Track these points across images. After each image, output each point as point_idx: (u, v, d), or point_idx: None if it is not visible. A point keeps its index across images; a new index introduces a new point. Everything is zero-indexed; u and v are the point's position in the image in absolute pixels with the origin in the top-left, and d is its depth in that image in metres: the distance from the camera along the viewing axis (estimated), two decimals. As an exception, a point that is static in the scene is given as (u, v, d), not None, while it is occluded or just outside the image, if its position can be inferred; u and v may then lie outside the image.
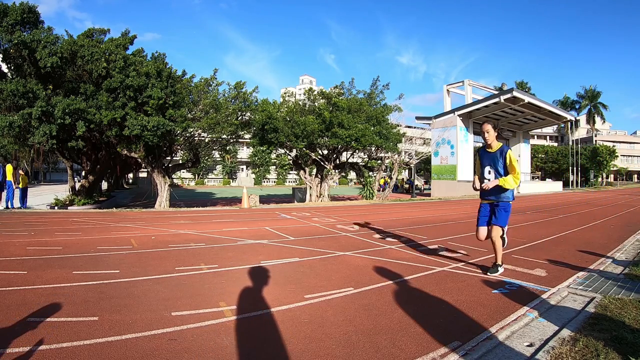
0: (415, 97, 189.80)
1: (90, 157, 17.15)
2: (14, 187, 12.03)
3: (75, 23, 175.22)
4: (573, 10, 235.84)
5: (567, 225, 8.85)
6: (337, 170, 18.84)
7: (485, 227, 4.24)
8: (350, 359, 2.31)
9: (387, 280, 4.01)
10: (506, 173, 4.01)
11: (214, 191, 40.68)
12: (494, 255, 4.33)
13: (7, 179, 11.77)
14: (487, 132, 4.09)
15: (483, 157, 4.22)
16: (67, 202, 14.58)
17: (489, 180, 4.08)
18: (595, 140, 56.81)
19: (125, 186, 38.79)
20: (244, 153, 59.52)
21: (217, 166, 59.39)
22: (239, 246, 5.85)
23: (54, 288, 3.53)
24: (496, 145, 4.15)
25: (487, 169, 4.15)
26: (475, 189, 4.23)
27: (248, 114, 16.27)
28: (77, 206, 14.42)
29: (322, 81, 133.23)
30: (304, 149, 17.38)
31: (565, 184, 38.61)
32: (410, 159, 23.78)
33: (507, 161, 3.98)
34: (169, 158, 16.21)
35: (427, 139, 30.69)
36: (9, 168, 11.95)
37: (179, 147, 16.91)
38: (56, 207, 13.54)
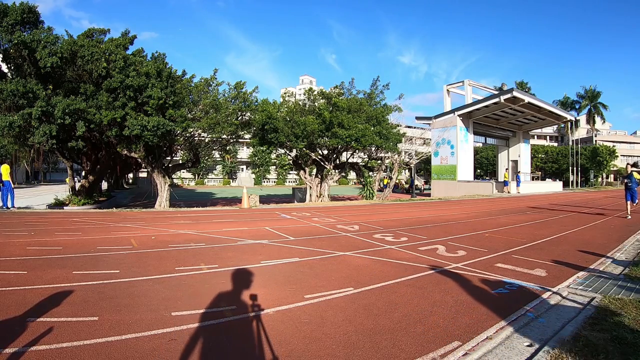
0: (416, 97, 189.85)
1: (90, 157, 17.15)
2: (13, 186, 12.03)
3: (71, 22, 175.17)
4: (573, 10, 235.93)
5: (567, 225, 8.85)
6: (337, 170, 18.84)
7: None
8: (350, 359, 2.32)
9: (387, 280, 4.01)
10: None
11: (214, 191, 40.67)
12: None
13: (5, 179, 11.75)
14: None
15: None
16: (67, 203, 14.59)
17: None
18: (595, 140, 56.79)
19: (125, 186, 38.80)
20: (244, 153, 59.52)
21: (217, 166, 59.38)
22: (239, 246, 5.85)
23: (54, 288, 3.53)
24: None
25: None
26: None
27: (248, 114, 16.26)
28: (77, 206, 14.42)
29: (322, 81, 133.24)
30: (304, 149, 17.38)
31: (565, 184, 38.61)
32: (410, 159, 23.78)
33: None
34: (169, 158, 16.20)
35: (427, 139, 30.68)
36: (5, 168, 11.93)
37: (179, 147, 16.91)
38: (56, 207, 13.53)
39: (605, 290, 3.70)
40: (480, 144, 39.08)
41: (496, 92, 27.13)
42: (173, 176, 20.02)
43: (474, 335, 2.63)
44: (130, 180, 46.18)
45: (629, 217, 10.60)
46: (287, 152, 19.14)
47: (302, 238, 6.70)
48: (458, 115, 25.54)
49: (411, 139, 39.58)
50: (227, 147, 18.90)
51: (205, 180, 58.68)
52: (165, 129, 12.39)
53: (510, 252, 5.57)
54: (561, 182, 35.90)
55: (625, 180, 10.99)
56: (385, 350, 2.42)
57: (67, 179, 18.20)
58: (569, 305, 3.30)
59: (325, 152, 18.71)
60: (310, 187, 18.37)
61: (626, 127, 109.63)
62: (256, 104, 16.19)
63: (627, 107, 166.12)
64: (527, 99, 23.93)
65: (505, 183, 25.42)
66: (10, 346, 2.33)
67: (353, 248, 5.77)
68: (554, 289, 3.74)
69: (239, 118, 15.85)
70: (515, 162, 30.76)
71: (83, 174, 18.80)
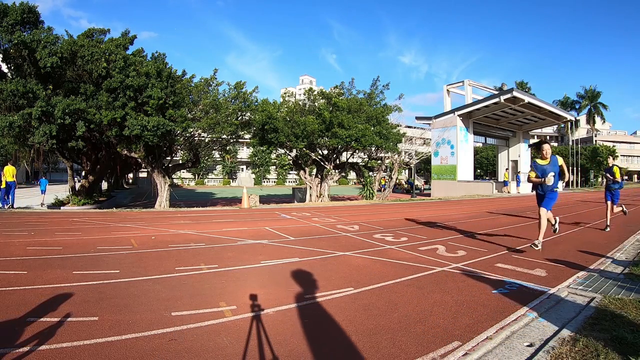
0: (416, 97, 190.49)
1: (90, 157, 17.16)
2: (17, 186, 12.09)
3: (70, 21, 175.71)
4: (573, 10, 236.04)
5: (567, 225, 8.85)
6: (337, 170, 18.84)
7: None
8: (350, 359, 2.31)
9: (387, 280, 4.01)
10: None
11: (214, 191, 40.67)
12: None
13: (9, 180, 11.78)
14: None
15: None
16: (66, 202, 14.60)
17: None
18: (595, 141, 56.81)
19: (125, 186, 38.79)
20: (244, 153, 59.52)
21: (217, 166, 59.39)
22: (239, 246, 5.85)
23: (54, 288, 3.52)
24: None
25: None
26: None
27: (248, 114, 16.27)
28: (77, 206, 14.42)
29: (322, 81, 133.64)
30: (304, 149, 17.38)
31: (565, 184, 38.61)
32: (410, 159, 23.78)
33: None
34: (169, 158, 16.21)
35: (427, 139, 30.69)
36: (10, 169, 11.95)
37: (179, 147, 16.91)
38: (56, 207, 13.55)
39: (605, 290, 3.69)
40: (480, 144, 39.10)
41: (496, 92, 27.12)
42: (173, 176, 20.03)
43: (474, 335, 2.63)
44: (130, 180, 46.18)
45: (538, 247, 5.41)
46: (287, 152, 19.14)
47: (302, 238, 6.70)
48: (458, 115, 25.54)
49: (411, 139, 39.56)
50: (227, 147, 18.91)
51: (205, 180, 58.67)
52: (165, 129, 12.39)
53: (510, 252, 5.56)
54: (563, 182, 35.84)
55: (543, 178, 5.37)
56: (385, 350, 2.42)
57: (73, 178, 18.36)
58: (569, 305, 3.29)
59: (325, 152, 18.72)
60: (310, 187, 18.37)
61: (626, 127, 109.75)
62: (256, 104, 16.20)
63: (627, 107, 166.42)
64: (527, 99, 23.93)
65: (505, 183, 25.43)
66: (10, 346, 2.33)
67: (353, 248, 5.77)
68: (554, 289, 3.74)
69: (239, 118, 15.85)
70: (515, 162, 30.77)
71: (83, 174, 18.81)
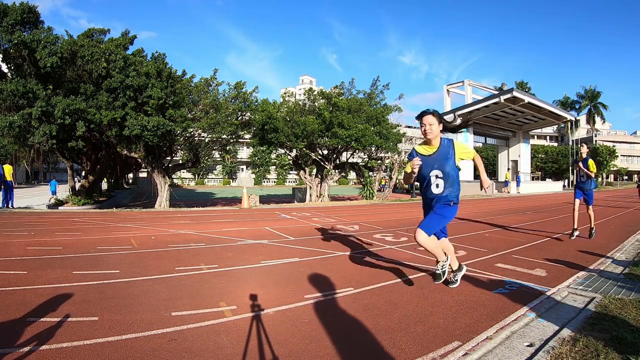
0: (416, 97, 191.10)
1: (90, 157, 17.16)
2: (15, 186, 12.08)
3: (69, 21, 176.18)
4: (573, 10, 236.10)
5: (567, 225, 8.85)
6: (337, 170, 18.84)
7: None
8: (350, 359, 2.31)
9: (387, 280, 4.01)
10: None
11: (214, 191, 40.68)
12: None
13: (8, 179, 11.79)
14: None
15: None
16: (65, 202, 14.61)
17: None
18: (595, 141, 56.83)
19: (125, 186, 38.81)
20: (244, 153, 59.51)
21: (217, 166, 59.39)
22: (239, 246, 5.85)
23: (54, 288, 3.52)
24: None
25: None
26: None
27: (248, 114, 16.27)
28: (77, 206, 14.42)
29: (322, 81, 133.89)
30: (304, 149, 17.38)
31: (566, 184, 38.60)
32: (410, 159, 23.74)
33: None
34: (169, 158, 16.20)
35: (427, 139, 30.66)
36: (8, 169, 11.96)
37: (179, 147, 16.91)
38: (55, 207, 13.56)
39: (605, 290, 3.69)
40: (480, 144, 39.09)
41: (496, 92, 27.13)
42: (173, 176, 20.03)
43: (474, 335, 2.63)
44: (130, 180, 46.19)
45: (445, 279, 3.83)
46: (287, 152, 19.13)
47: (302, 238, 6.70)
48: (458, 115, 25.54)
49: (411, 139, 39.59)
50: (227, 147, 18.90)
51: (205, 180, 58.67)
52: (165, 129, 12.39)
53: (510, 252, 5.56)
54: (564, 181, 35.85)
55: (424, 179, 3.47)
56: (385, 350, 2.42)
57: (69, 178, 18.46)
58: (569, 305, 3.29)
59: (325, 152, 18.71)
60: (310, 187, 18.36)
61: (626, 127, 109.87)
62: (256, 104, 16.20)
63: (627, 107, 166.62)
64: (527, 98, 23.95)
65: (505, 183, 25.46)
66: (10, 346, 2.33)
67: (353, 248, 5.77)
68: (554, 289, 3.74)
69: (239, 118, 15.86)
70: (515, 162, 30.80)
71: (83, 174, 18.82)
